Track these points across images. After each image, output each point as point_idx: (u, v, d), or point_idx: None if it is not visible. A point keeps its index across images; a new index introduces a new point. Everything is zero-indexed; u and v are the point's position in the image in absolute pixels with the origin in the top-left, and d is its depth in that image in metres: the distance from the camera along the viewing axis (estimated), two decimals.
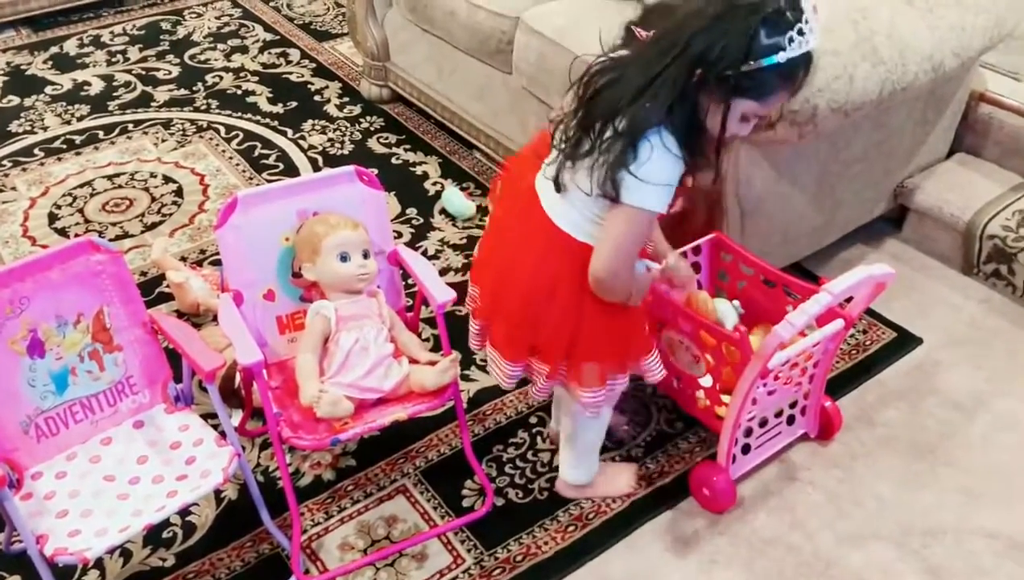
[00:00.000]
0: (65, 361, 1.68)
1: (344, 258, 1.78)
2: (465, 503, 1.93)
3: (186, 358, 1.68)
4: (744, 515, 1.91)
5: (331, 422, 1.71)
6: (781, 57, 1.37)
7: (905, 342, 2.33)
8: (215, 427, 1.75)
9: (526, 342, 1.64)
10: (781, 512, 1.92)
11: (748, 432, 1.91)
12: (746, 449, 1.93)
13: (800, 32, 1.37)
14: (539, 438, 2.06)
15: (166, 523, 1.86)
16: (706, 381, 1.91)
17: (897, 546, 1.85)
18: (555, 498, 1.94)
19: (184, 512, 1.89)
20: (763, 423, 1.93)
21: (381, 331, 1.80)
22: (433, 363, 1.79)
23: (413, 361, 1.83)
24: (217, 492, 1.94)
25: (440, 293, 1.79)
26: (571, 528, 1.88)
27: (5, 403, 1.62)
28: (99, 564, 1.81)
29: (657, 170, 1.43)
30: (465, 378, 2.19)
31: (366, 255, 1.83)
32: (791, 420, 2.00)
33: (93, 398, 1.72)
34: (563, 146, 1.52)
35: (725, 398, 1.88)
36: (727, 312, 2.05)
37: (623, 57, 1.48)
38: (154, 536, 1.86)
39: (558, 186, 1.54)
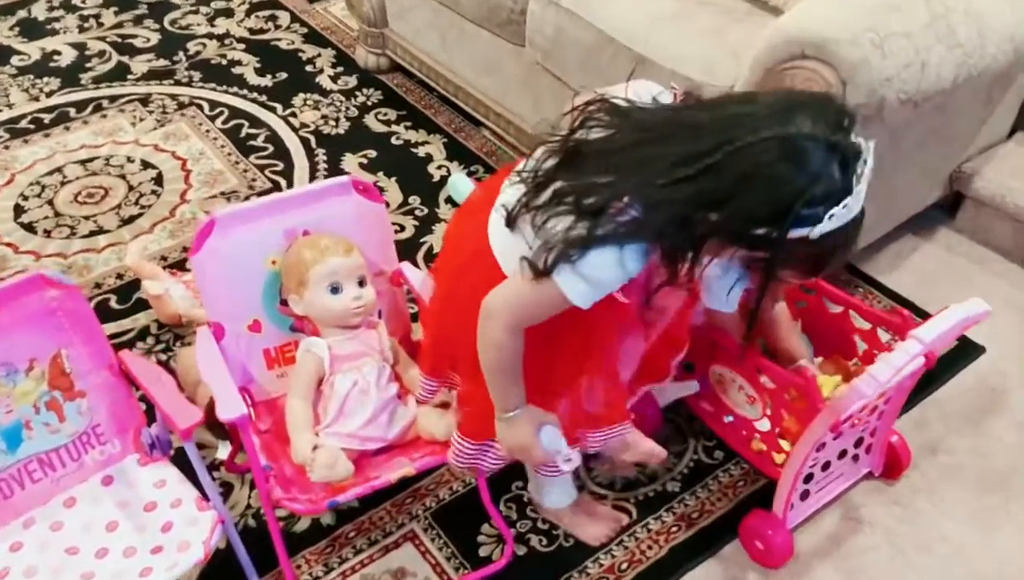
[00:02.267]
0: (16, 414, 1.44)
1: (335, 290, 1.54)
2: (483, 552, 1.71)
3: (159, 411, 1.44)
4: (799, 569, 1.69)
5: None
6: (815, 232, 1.09)
7: (966, 351, 2.09)
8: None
9: (442, 355, 1.49)
10: (841, 562, 1.70)
11: (808, 478, 1.67)
12: (804, 495, 1.70)
13: (845, 206, 1.09)
14: None
15: None
16: (763, 425, 1.67)
17: None
18: (583, 545, 1.72)
19: None
20: (825, 466, 1.69)
21: (384, 370, 1.56)
22: (445, 405, 1.56)
23: (422, 402, 1.60)
24: None
25: None
26: None
27: None
28: None
29: (599, 274, 1.18)
30: None
31: (362, 283, 1.58)
32: (855, 459, 1.76)
33: (53, 453, 1.48)
34: (528, 179, 1.26)
35: (784, 443, 1.65)
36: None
37: (636, 114, 1.20)
38: None
39: (509, 220, 1.28)
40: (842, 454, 1.70)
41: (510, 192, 1.31)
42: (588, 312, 1.24)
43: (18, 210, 2.51)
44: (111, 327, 2.15)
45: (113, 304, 2.22)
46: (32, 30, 3.30)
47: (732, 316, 1.54)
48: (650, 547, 1.72)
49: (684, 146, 1.11)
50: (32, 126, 2.82)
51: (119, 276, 2.28)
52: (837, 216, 1.09)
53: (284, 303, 1.61)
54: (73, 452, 1.50)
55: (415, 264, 2.29)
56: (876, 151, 1.95)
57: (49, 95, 2.96)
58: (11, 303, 1.41)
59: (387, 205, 2.43)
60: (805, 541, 1.73)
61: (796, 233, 1.09)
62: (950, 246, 2.38)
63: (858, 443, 1.73)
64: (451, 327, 1.43)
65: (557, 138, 1.26)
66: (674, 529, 1.75)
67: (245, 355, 1.61)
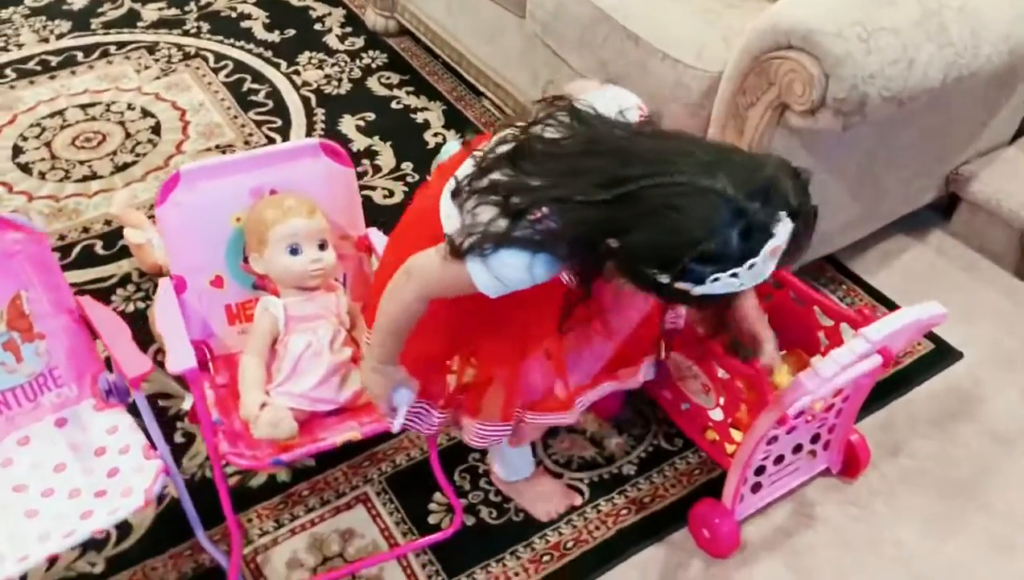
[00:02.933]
0: None
1: (295, 251, 1.54)
2: (432, 519, 1.73)
3: (112, 358, 1.46)
4: (746, 559, 1.69)
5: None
6: (695, 290, 1.09)
7: (942, 355, 2.07)
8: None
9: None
10: (789, 556, 1.70)
11: (760, 470, 1.67)
12: (756, 487, 1.70)
13: (734, 274, 1.07)
14: None
15: None
16: (716, 414, 1.67)
17: None
18: (532, 521, 1.73)
19: None
20: (779, 460, 1.69)
21: (339, 334, 1.57)
22: None
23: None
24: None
25: None
26: (546, 558, 1.67)
27: None
28: None
29: (507, 273, 1.18)
30: None
31: (323, 246, 1.58)
32: (810, 454, 1.75)
33: (9, 392, 1.51)
34: (479, 160, 1.26)
35: (736, 434, 1.64)
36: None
37: (593, 124, 1.20)
38: None
39: (453, 193, 1.29)
40: (797, 449, 1.69)
41: (467, 165, 1.31)
42: (532, 296, 1.24)
43: (16, 150, 2.53)
44: (94, 272, 2.18)
45: (98, 249, 2.24)
46: None
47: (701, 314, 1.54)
48: (598, 527, 1.72)
49: (613, 169, 1.11)
50: (39, 68, 2.84)
51: (107, 222, 2.31)
52: (723, 282, 1.07)
53: (247, 261, 1.62)
54: (29, 392, 1.53)
55: None
56: (864, 148, 1.94)
57: (59, 37, 2.98)
58: None
59: (364, 170, 2.45)
60: (754, 532, 1.73)
61: (680, 285, 1.08)
62: (942, 249, 2.35)
63: (815, 439, 1.72)
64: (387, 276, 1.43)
65: (518, 126, 1.26)
66: (624, 512, 1.75)
67: (206, 309, 1.62)
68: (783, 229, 1.07)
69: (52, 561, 1.64)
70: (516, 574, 1.65)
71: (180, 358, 1.43)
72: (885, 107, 1.69)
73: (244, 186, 1.58)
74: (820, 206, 1.95)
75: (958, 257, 2.33)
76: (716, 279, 1.06)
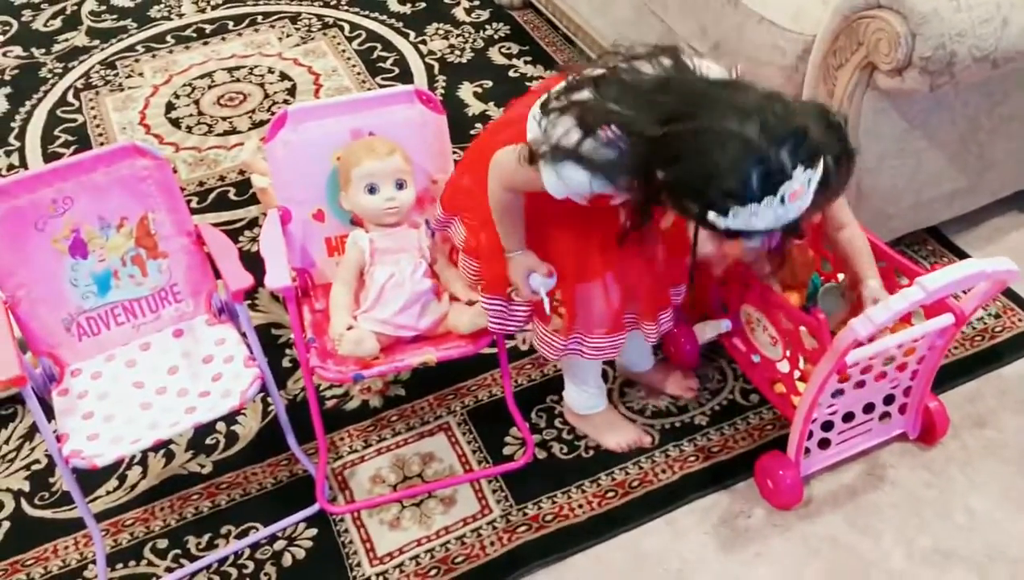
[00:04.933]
0: (108, 263, 1.67)
1: (372, 190, 1.68)
2: (506, 451, 1.84)
3: (221, 274, 1.64)
4: (809, 512, 1.72)
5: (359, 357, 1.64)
6: (720, 223, 1.19)
7: None
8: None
9: (457, 198, 1.64)
10: (853, 513, 1.71)
11: (828, 426, 1.69)
12: (825, 443, 1.71)
13: (752, 213, 1.16)
14: None
15: (211, 428, 1.88)
16: (783, 366, 1.70)
17: (979, 572, 1.62)
18: (600, 458, 1.81)
19: (230, 420, 1.90)
20: (848, 417, 1.70)
21: (420, 266, 1.69)
22: (472, 303, 1.68)
23: (455, 299, 1.72)
24: (265, 404, 1.94)
25: None
26: (610, 494, 1.75)
27: (47, 300, 1.64)
28: (144, 461, 1.85)
29: (571, 179, 1.31)
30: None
31: (401, 186, 1.71)
32: (885, 416, 1.75)
33: (136, 302, 1.71)
34: (571, 82, 1.37)
35: (802, 386, 1.67)
36: (832, 299, 1.80)
37: (680, 70, 1.30)
38: (198, 440, 1.88)
39: (543, 104, 1.39)
40: (869, 408, 1.70)
41: (560, 85, 1.42)
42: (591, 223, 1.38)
43: (169, 107, 2.80)
44: (227, 215, 2.40)
45: (232, 196, 2.47)
46: None
47: (757, 252, 1.57)
48: (664, 471, 1.78)
49: (673, 108, 1.21)
50: (194, 35, 3.12)
51: (240, 172, 2.53)
52: (743, 219, 1.17)
53: None
54: (152, 305, 1.73)
55: None
56: (966, 113, 1.91)
57: (215, 8, 3.25)
58: (108, 167, 1.63)
59: (476, 133, 2.57)
60: (821, 488, 1.75)
61: (711, 216, 1.18)
62: None
63: (889, 401, 1.72)
64: (472, 176, 1.58)
65: (620, 54, 1.36)
66: (692, 459, 1.80)
67: (309, 241, 1.78)
68: (803, 175, 1.15)
69: (169, 458, 1.85)
70: (580, 506, 1.73)
71: (278, 276, 1.59)
72: (977, 68, 1.67)
73: (345, 127, 1.72)
74: (915, 174, 1.97)
75: None
76: (737, 215, 1.16)
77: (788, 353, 1.66)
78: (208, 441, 1.88)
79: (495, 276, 1.58)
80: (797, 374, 1.69)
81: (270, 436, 1.88)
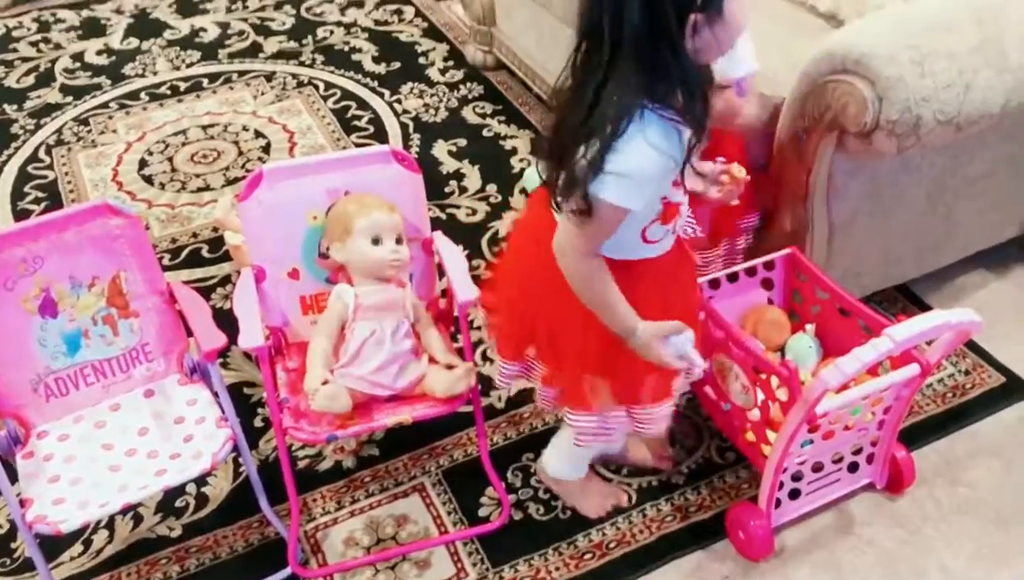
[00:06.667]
0: (78, 323, 1.65)
1: (376, 241, 1.68)
2: (482, 512, 1.81)
3: (193, 334, 1.62)
4: (783, 567, 1.71)
5: (335, 416, 1.62)
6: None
7: (1013, 390, 2.03)
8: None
9: (521, 336, 1.52)
10: (825, 570, 1.70)
11: (798, 476, 1.70)
12: (795, 494, 1.72)
13: None
14: None
15: (181, 490, 1.84)
16: (754, 415, 1.71)
17: None
18: (577, 519, 1.79)
19: (200, 482, 1.86)
20: (817, 468, 1.71)
21: (402, 325, 1.69)
22: (451, 367, 1.67)
23: (434, 361, 1.71)
24: (236, 465, 1.91)
25: (464, 290, 1.66)
26: (588, 556, 1.73)
27: (14, 361, 1.61)
28: (110, 524, 1.81)
29: (632, 162, 1.22)
30: None
31: (399, 241, 1.72)
32: (853, 467, 1.76)
33: (106, 362, 1.69)
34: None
35: (772, 435, 1.67)
36: (801, 350, 1.83)
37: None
38: (167, 502, 1.84)
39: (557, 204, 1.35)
40: (837, 459, 1.71)
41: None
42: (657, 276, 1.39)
43: (142, 164, 2.80)
44: (199, 272, 2.39)
45: (205, 253, 2.45)
46: (186, 8, 3.65)
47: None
48: (641, 531, 1.77)
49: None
50: (169, 92, 3.13)
51: (213, 229, 2.52)
52: None
53: (322, 256, 1.77)
54: (123, 364, 1.70)
55: (480, 246, 2.42)
56: (932, 174, 1.95)
57: (189, 66, 3.27)
58: (80, 226, 1.62)
59: (450, 190, 2.59)
60: (793, 538, 1.75)
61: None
62: (1023, 286, 2.30)
63: (857, 451, 1.74)
64: (530, 303, 1.50)
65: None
66: (669, 519, 1.79)
67: (283, 299, 1.77)
68: None
69: (137, 521, 1.80)
70: (557, 568, 1.71)
71: (251, 336, 1.58)
72: (941, 131, 1.71)
73: (321, 186, 1.73)
74: (884, 233, 2.02)
75: None
76: None
77: (759, 400, 1.67)
78: (177, 503, 1.85)
79: (582, 393, 1.49)
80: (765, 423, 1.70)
81: (241, 498, 1.84)
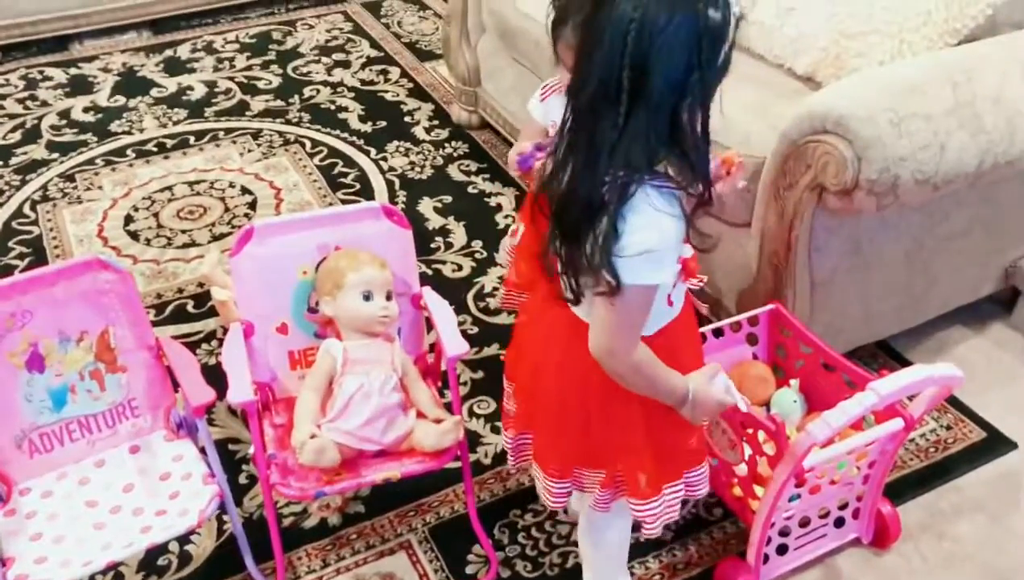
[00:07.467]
0: (65, 378, 1.65)
1: (367, 297, 1.69)
2: (469, 569, 1.80)
3: (181, 389, 1.62)
4: None
5: (322, 472, 1.62)
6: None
7: (995, 445, 2.05)
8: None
9: (571, 451, 1.44)
10: None
11: (786, 531, 1.70)
12: (783, 549, 1.72)
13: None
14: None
15: (164, 548, 1.82)
16: (741, 469, 1.72)
17: None
18: (565, 575, 1.78)
19: (184, 539, 1.84)
20: (805, 523, 1.72)
21: (389, 379, 1.69)
22: (439, 421, 1.67)
23: (422, 416, 1.72)
24: (220, 522, 1.89)
25: (453, 345, 1.67)
26: None
27: (0, 416, 1.60)
28: None
29: (647, 236, 1.17)
30: (496, 430, 2.06)
31: (389, 297, 1.73)
32: (840, 522, 1.77)
33: (92, 418, 1.68)
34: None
35: (759, 490, 1.68)
36: (786, 404, 1.85)
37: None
38: (150, 561, 1.81)
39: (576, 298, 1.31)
40: (826, 515, 1.72)
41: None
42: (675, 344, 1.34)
43: (128, 219, 2.80)
44: (185, 328, 2.38)
45: (190, 308, 2.45)
46: (174, 67, 3.69)
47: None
48: None
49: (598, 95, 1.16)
50: (155, 149, 3.15)
51: (199, 285, 2.52)
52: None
53: (312, 311, 1.78)
54: (109, 420, 1.69)
55: (465, 301, 2.44)
56: (910, 232, 1.99)
57: (176, 124, 3.30)
58: (70, 280, 1.62)
59: (436, 246, 2.61)
60: None
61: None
62: (1001, 342, 2.34)
63: (844, 506, 1.74)
64: (573, 420, 1.42)
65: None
66: (657, 576, 1.79)
67: (271, 354, 1.77)
68: None
69: (117, 579, 1.78)
70: None
71: (240, 391, 1.57)
72: (919, 190, 1.76)
73: (311, 242, 1.74)
74: (864, 289, 2.04)
75: (1018, 350, 2.31)
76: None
77: (747, 455, 1.68)
78: (160, 561, 1.82)
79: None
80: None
81: (226, 556, 1.82)
